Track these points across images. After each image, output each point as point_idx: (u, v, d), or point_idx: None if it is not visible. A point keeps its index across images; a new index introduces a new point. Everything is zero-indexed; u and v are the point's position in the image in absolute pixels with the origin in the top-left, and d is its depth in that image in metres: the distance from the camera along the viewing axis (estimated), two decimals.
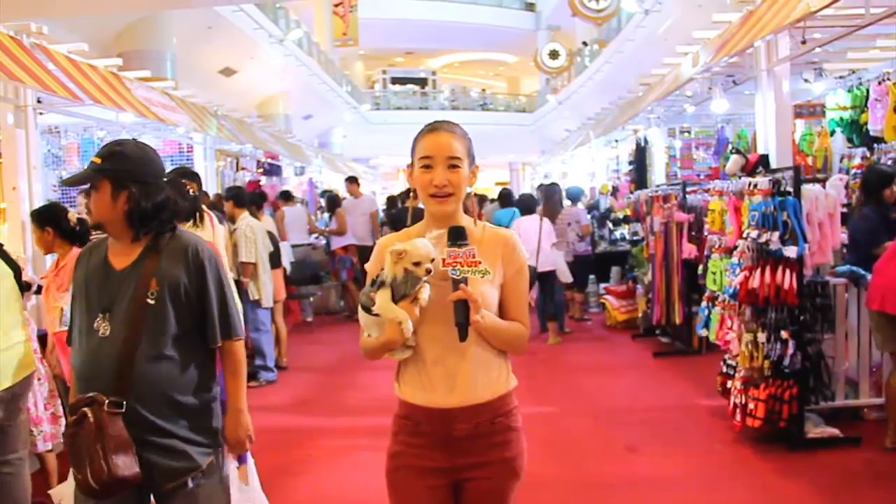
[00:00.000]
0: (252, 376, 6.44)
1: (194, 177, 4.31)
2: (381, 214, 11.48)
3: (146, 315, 2.15)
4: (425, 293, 1.87)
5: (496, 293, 1.98)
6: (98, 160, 2.22)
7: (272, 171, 11.77)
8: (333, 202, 10.28)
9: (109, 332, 2.16)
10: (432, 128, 1.98)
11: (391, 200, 11.59)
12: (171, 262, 2.22)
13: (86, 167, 2.29)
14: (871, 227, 4.86)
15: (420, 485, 1.97)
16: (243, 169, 10.17)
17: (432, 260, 1.85)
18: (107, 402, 2.08)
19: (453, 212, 1.97)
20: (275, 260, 6.80)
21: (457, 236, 1.88)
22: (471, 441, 1.95)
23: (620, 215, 10.51)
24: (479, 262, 1.84)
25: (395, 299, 1.86)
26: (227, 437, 2.35)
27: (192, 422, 2.22)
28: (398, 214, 8.33)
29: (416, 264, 1.84)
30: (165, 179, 2.31)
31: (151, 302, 2.16)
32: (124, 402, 2.10)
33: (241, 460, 2.39)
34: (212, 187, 8.11)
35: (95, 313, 2.19)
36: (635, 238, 8.59)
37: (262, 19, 14.19)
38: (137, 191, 2.18)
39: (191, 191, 3.28)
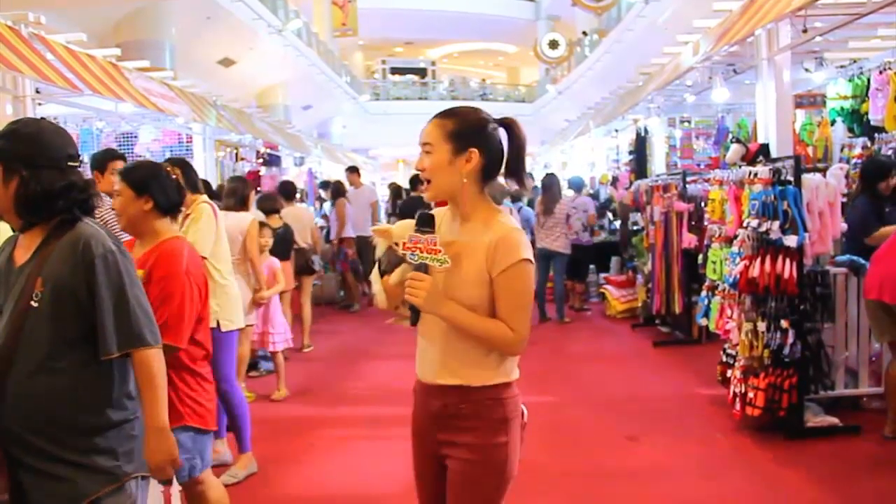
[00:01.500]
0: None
1: (180, 163, 3.58)
2: (382, 205, 11.43)
3: (27, 319, 1.88)
4: (396, 274, 1.97)
5: (479, 291, 1.91)
6: None
7: (272, 161, 11.74)
8: (338, 191, 10.26)
9: None
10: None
11: (395, 190, 11.51)
12: (59, 259, 1.92)
13: None
14: (861, 218, 4.87)
15: (420, 451, 2.10)
16: (243, 159, 10.15)
17: None
18: None
19: (435, 199, 1.98)
20: (283, 252, 6.74)
21: (422, 222, 1.91)
22: (444, 419, 2.00)
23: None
24: (440, 251, 1.85)
25: (381, 275, 2.04)
26: (147, 460, 2.05)
27: (85, 444, 1.92)
28: (407, 205, 8.35)
29: (398, 244, 1.93)
30: (72, 164, 2.00)
31: (35, 305, 1.88)
32: None
33: (166, 483, 2.20)
34: (212, 177, 8.10)
35: None
36: (634, 228, 8.59)
37: (261, 9, 14.12)
38: (28, 174, 1.91)
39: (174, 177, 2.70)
